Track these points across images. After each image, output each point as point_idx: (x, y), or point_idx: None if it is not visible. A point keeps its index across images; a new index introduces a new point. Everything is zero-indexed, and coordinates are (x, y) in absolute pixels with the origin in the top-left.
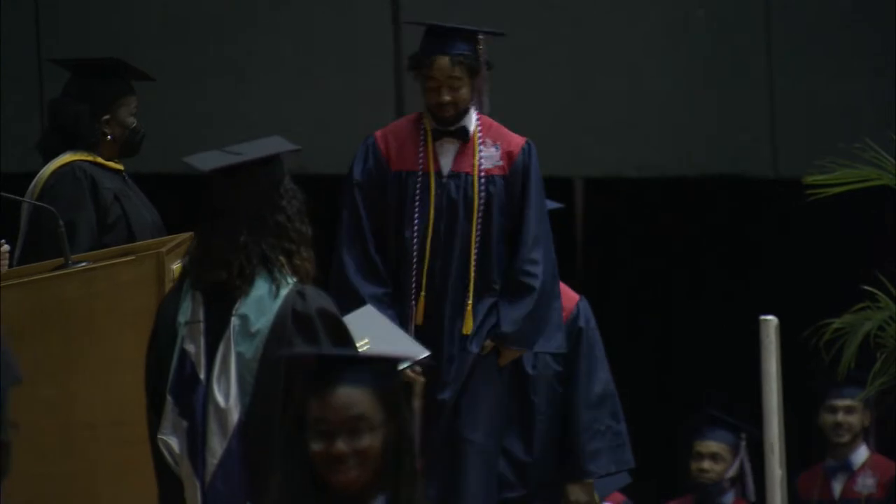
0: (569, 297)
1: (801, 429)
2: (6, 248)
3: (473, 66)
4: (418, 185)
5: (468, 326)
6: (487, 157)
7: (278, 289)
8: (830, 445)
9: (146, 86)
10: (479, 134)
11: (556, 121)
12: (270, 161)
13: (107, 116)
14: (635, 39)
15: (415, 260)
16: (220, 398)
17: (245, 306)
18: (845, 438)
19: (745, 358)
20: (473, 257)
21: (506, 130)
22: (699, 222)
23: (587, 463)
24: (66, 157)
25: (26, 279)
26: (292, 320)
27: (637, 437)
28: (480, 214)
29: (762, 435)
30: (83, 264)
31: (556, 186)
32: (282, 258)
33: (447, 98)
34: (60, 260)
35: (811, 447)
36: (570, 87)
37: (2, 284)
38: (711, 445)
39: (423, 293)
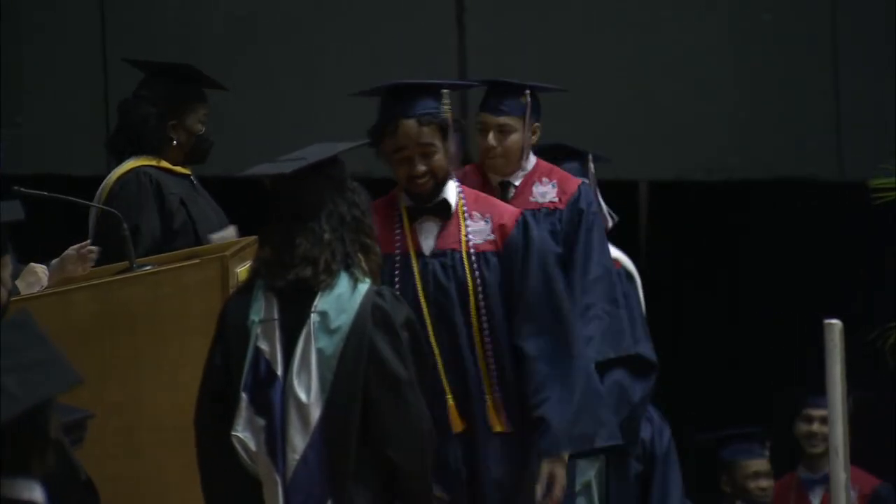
0: (571, 181)
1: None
2: (96, 250)
3: (444, 126)
4: (397, 268)
5: (498, 423)
6: (476, 231)
7: (356, 286)
8: (804, 456)
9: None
10: (465, 207)
11: (621, 124)
12: (337, 159)
13: (174, 121)
14: (702, 43)
15: None
16: (301, 394)
17: (324, 303)
18: (819, 449)
19: (808, 358)
20: (484, 346)
21: (497, 201)
22: (764, 225)
23: None
24: (131, 163)
25: (92, 282)
26: (372, 319)
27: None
28: (481, 297)
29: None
30: (148, 268)
31: (621, 189)
32: (360, 255)
33: (422, 168)
34: (126, 263)
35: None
36: (636, 90)
37: (69, 287)
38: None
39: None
